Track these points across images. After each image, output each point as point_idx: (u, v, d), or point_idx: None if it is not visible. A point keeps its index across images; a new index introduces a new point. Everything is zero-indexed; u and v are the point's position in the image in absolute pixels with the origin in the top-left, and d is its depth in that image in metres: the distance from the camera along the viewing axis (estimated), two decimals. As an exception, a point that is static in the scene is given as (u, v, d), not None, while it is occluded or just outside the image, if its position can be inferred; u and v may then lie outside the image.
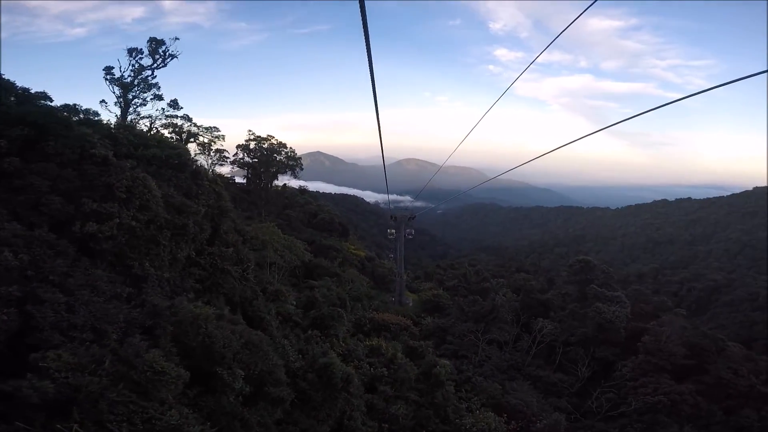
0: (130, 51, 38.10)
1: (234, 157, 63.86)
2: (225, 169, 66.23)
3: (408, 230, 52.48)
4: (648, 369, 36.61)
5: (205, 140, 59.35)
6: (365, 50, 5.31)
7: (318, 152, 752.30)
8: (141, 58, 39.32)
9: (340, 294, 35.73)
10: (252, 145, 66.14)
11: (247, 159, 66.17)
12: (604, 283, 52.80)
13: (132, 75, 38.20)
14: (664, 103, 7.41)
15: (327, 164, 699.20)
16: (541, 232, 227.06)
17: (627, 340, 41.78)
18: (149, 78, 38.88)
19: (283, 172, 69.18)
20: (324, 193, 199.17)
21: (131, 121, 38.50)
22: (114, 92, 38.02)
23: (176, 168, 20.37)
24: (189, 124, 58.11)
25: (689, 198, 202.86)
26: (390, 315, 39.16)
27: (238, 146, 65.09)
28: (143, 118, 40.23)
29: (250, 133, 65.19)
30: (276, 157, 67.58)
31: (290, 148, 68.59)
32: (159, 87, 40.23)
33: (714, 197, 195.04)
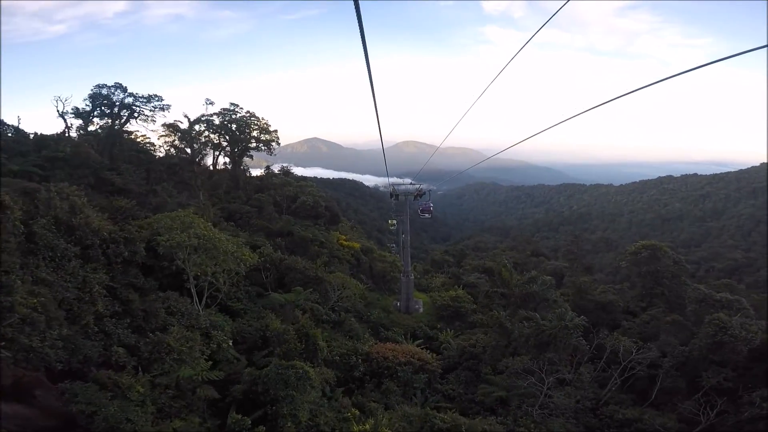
0: None
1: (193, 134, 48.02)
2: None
3: (426, 203, 37.63)
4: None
5: (146, 111, 43.72)
6: (359, 35, 5.05)
7: (315, 138, 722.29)
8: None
9: (306, 328, 20.73)
10: (216, 120, 50.54)
11: (211, 136, 50.61)
12: (674, 275, 38.30)
13: None
14: (658, 80, 6.53)
15: (325, 150, 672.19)
16: (544, 210, 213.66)
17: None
18: None
19: (257, 149, 53.89)
20: (322, 179, 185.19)
21: None
22: None
23: None
24: (124, 94, 42.68)
25: (695, 174, 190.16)
26: (396, 347, 24.37)
27: (201, 121, 49.40)
28: None
29: (207, 102, 49.20)
30: (247, 132, 52.19)
31: (263, 119, 53.02)
32: None
33: (722, 173, 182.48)
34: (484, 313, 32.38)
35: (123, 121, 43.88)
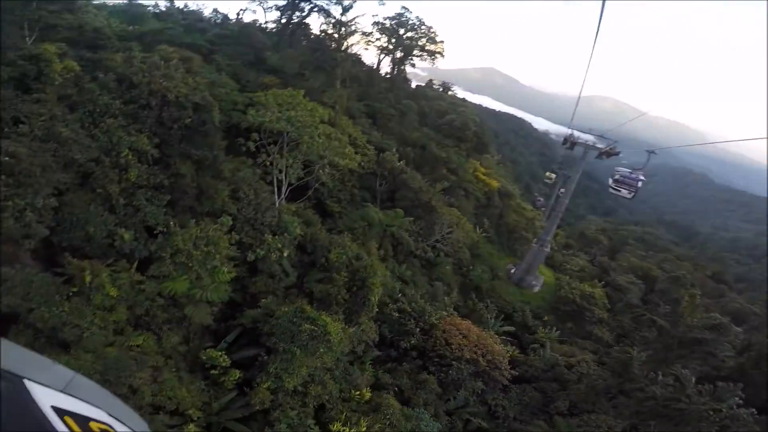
0: None
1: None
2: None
3: (635, 174, 27.62)
4: None
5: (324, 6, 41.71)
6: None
7: (491, 68, 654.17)
8: None
9: (366, 272, 15.22)
10: (388, 23, 47.10)
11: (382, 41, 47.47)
12: None
13: None
14: None
15: (500, 82, 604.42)
16: (756, 232, 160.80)
17: None
18: None
19: (420, 57, 48.88)
20: (487, 108, 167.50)
21: None
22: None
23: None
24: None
25: None
26: (470, 332, 17.98)
27: (373, 24, 47.24)
28: None
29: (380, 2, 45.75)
30: (414, 38, 47.36)
31: (432, 29, 47.57)
32: None
33: None
34: (617, 339, 23.23)
35: (305, 14, 43.04)
